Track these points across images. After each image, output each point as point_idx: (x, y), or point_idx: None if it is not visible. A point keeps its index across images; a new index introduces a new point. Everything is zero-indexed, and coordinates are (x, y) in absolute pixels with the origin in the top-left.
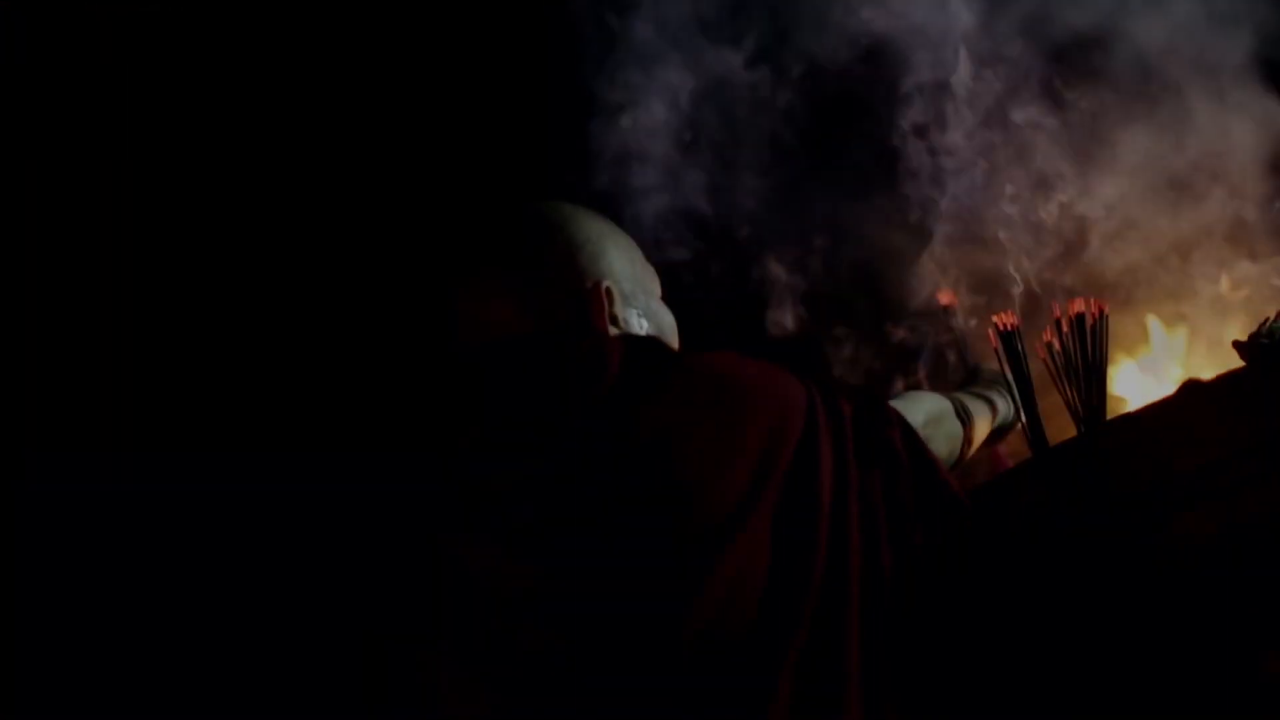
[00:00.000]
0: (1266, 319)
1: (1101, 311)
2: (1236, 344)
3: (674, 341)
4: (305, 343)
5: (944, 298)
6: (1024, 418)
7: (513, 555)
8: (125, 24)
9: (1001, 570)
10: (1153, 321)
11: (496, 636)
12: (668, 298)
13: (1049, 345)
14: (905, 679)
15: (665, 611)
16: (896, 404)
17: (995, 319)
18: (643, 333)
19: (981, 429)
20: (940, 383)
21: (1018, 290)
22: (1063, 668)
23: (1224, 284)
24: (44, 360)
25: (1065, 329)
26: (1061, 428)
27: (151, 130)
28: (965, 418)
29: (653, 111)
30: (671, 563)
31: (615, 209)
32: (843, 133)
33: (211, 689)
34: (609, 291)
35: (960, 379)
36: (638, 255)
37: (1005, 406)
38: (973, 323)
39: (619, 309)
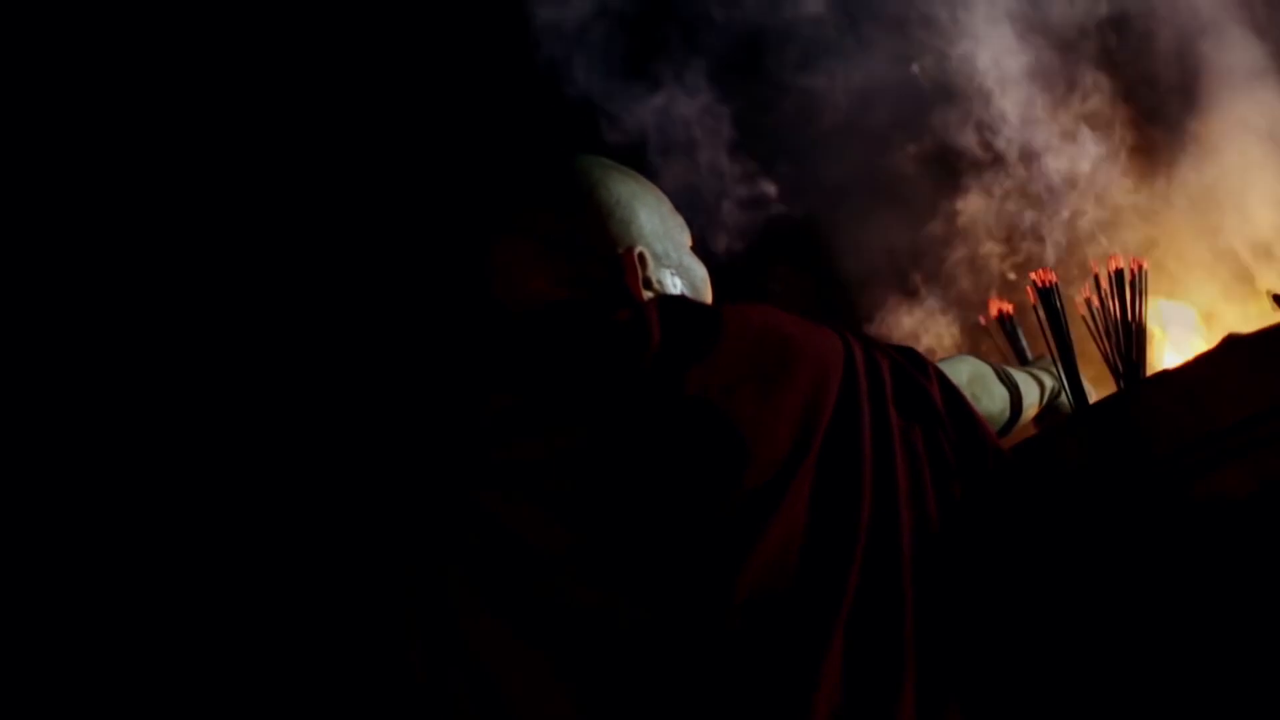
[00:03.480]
0: None
1: (1140, 267)
2: (1273, 295)
3: (707, 295)
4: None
5: (997, 306)
6: (1063, 375)
7: (555, 522)
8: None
9: (1041, 526)
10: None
11: (540, 603)
12: (697, 249)
13: (1088, 302)
14: (959, 631)
15: (718, 571)
16: (940, 364)
17: (1033, 275)
18: (677, 291)
19: (1030, 396)
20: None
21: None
22: (1100, 622)
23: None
24: (44, 360)
25: (1104, 285)
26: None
27: (153, 128)
28: (1009, 382)
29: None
30: (723, 523)
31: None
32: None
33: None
34: (641, 256)
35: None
36: (666, 209)
37: (1052, 381)
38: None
39: (652, 271)
